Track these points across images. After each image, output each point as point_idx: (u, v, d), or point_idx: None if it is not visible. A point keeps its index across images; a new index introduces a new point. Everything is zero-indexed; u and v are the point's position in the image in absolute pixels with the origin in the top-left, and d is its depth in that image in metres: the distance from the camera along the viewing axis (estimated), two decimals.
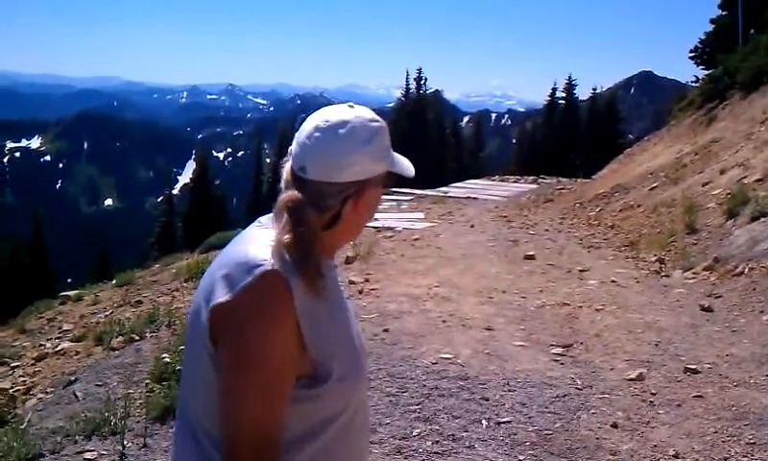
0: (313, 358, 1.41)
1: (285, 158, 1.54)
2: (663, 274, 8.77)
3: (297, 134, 1.51)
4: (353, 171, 1.46)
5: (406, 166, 1.59)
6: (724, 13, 24.97)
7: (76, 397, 5.21)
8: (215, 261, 1.51)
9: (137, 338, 6.64)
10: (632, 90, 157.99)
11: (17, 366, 7.03)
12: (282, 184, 1.50)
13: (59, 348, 7.30)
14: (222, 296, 1.38)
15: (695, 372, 5.19)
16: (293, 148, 1.50)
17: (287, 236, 1.39)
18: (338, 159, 1.44)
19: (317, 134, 1.46)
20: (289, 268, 1.38)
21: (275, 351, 1.36)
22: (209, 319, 1.39)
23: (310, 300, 1.39)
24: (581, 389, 4.91)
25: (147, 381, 5.13)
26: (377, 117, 1.53)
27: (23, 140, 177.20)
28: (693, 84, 25.37)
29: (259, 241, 1.44)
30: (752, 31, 21.83)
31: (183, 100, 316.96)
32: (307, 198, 1.44)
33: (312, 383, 1.42)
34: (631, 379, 5.06)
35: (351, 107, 1.52)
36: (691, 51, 25.99)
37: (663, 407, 4.60)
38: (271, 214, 1.50)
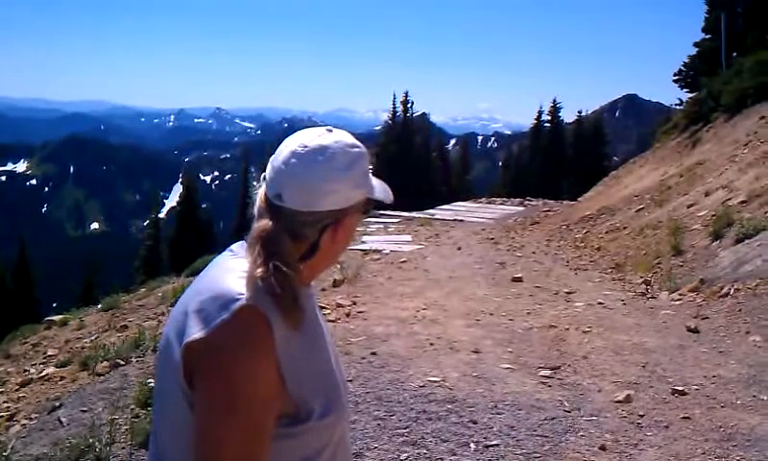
0: (293, 396, 1.34)
1: (258, 183, 1.46)
2: (650, 295, 8.80)
3: (272, 159, 1.43)
4: (333, 199, 1.38)
5: (385, 193, 1.52)
6: (707, 37, 25.36)
7: (60, 423, 5.16)
8: (187, 292, 1.43)
9: (123, 363, 6.57)
10: (617, 113, 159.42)
11: (1, 392, 6.95)
12: (256, 211, 1.43)
13: (43, 373, 7.22)
14: (196, 332, 1.30)
15: (682, 393, 5.20)
16: (267, 173, 1.42)
17: (263, 269, 1.31)
18: (317, 187, 1.37)
19: (294, 160, 1.38)
20: (266, 302, 1.30)
21: (256, 391, 1.29)
22: (183, 356, 1.31)
23: (289, 334, 1.32)
24: (569, 411, 4.90)
25: (132, 406, 5.09)
26: (357, 142, 1.46)
27: (9, 164, 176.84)
28: (677, 107, 25.68)
29: (234, 272, 1.37)
30: (734, 54, 22.15)
31: (171, 124, 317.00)
32: (283, 227, 1.37)
33: (294, 421, 1.36)
34: (619, 401, 5.05)
35: (330, 130, 1.45)
36: (675, 74, 26.36)
37: (651, 429, 4.60)
38: (243, 242, 1.44)
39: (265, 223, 1.37)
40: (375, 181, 1.51)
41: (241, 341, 1.29)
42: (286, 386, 1.33)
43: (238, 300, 1.30)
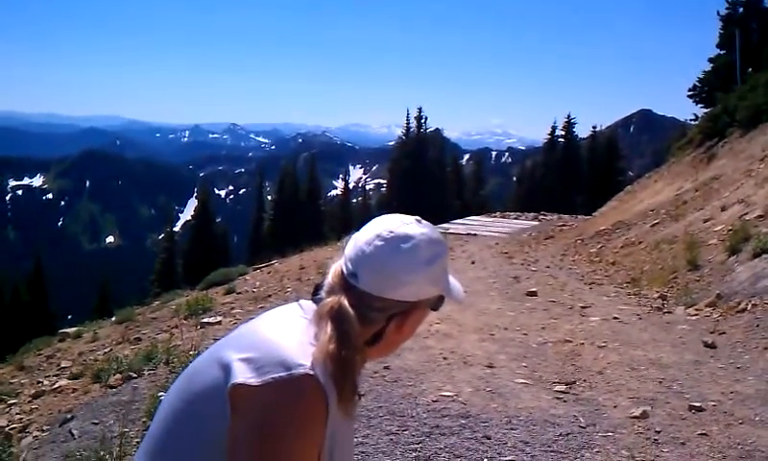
0: None
1: (337, 255, 1.43)
2: (666, 310, 8.71)
3: (354, 236, 1.41)
4: (407, 291, 1.36)
5: (460, 294, 1.52)
6: (722, 53, 25.32)
7: (72, 435, 5.14)
8: (243, 329, 1.39)
9: (135, 376, 6.57)
10: (631, 129, 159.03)
11: (14, 403, 6.95)
12: (327, 282, 1.40)
13: (56, 385, 7.22)
14: (246, 377, 1.23)
15: (700, 409, 5.12)
16: (347, 249, 1.40)
17: (331, 347, 1.26)
18: (395, 275, 1.34)
19: (377, 243, 1.35)
20: (328, 381, 1.24)
21: None
22: (229, 395, 1.25)
23: (338, 420, 1.27)
24: (584, 427, 4.84)
25: (144, 419, 5.07)
26: (441, 238, 1.44)
27: (25, 178, 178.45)
28: (692, 122, 25.61)
29: (300, 336, 1.30)
30: (749, 69, 22.08)
31: (186, 139, 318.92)
32: (354, 308, 1.33)
33: None
34: (635, 417, 4.98)
35: (419, 221, 1.43)
36: (690, 90, 26.30)
37: (668, 445, 4.52)
38: (314, 303, 1.39)
39: (340, 301, 1.33)
40: (452, 280, 1.49)
41: (295, 406, 1.22)
42: None
43: (302, 365, 1.24)
